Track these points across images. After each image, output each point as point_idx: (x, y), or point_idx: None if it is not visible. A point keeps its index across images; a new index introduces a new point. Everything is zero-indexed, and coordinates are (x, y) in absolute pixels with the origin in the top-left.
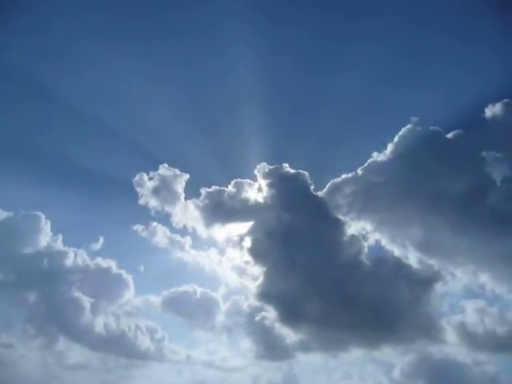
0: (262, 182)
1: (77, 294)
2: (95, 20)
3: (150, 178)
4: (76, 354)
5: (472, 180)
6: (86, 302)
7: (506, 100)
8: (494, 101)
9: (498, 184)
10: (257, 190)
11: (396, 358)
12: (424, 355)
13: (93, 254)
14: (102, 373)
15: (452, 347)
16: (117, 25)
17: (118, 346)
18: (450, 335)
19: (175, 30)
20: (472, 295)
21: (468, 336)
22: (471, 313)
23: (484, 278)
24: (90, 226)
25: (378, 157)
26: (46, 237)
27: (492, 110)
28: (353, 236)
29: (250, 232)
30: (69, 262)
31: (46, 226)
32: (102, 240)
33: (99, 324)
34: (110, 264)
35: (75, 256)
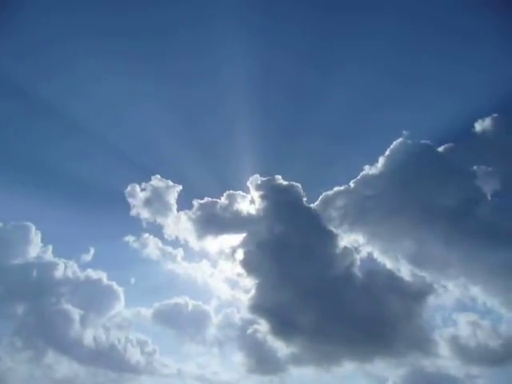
0: (255, 194)
1: (66, 305)
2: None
3: (142, 189)
4: (64, 367)
5: (463, 194)
6: (76, 314)
7: (495, 115)
8: (483, 115)
9: (489, 198)
10: (249, 202)
11: (389, 371)
12: (417, 368)
13: (83, 266)
14: None
15: (444, 360)
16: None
17: (107, 359)
18: (443, 348)
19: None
20: (464, 308)
21: (460, 349)
22: (463, 326)
23: (475, 290)
24: (81, 236)
25: (369, 170)
26: (35, 247)
27: (482, 125)
28: (345, 248)
29: (243, 244)
30: (59, 273)
31: (36, 236)
32: (92, 251)
33: (88, 337)
34: (100, 275)
35: (65, 267)
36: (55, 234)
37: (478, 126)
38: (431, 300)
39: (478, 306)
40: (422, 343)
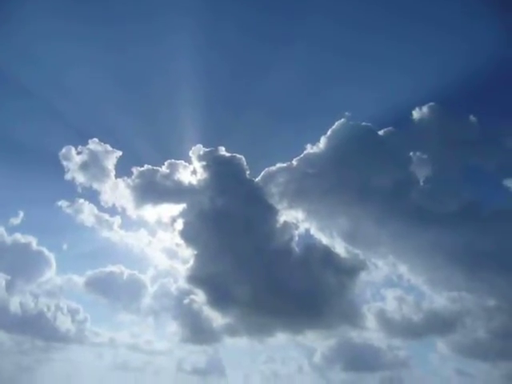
0: (197, 164)
1: None
2: None
3: (79, 153)
4: None
5: (397, 177)
6: (1, 279)
7: (431, 103)
8: (422, 103)
9: (421, 183)
10: (191, 173)
11: (318, 342)
12: (344, 340)
13: (11, 230)
14: (16, 355)
15: (371, 333)
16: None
17: (35, 327)
18: (370, 321)
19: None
20: (391, 284)
21: (386, 322)
22: (390, 301)
23: (403, 269)
24: (9, 199)
25: (311, 149)
26: None
27: (419, 112)
28: (285, 223)
29: (183, 214)
30: None
31: None
32: (21, 215)
33: (15, 303)
34: (29, 240)
35: None
36: None
37: (416, 114)
38: (363, 276)
39: (403, 282)
40: (352, 316)
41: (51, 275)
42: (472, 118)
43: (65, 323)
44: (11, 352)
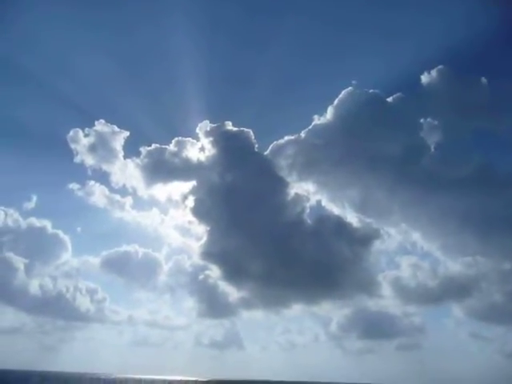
0: (205, 141)
1: (8, 255)
2: None
3: (86, 135)
4: (9, 317)
5: (408, 144)
6: (20, 263)
7: (440, 66)
8: (430, 67)
9: (432, 149)
10: (199, 150)
11: (333, 312)
12: (360, 309)
13: (25, 214)
14: (39, 336)
15: (386, 300)
16: None
17: (55, 308)
18: (385, 289)
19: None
20: (405, 252)
21: (401, 289)
22: (404, 268)
23: (416, 236)
24: (22, 184)
25: (318, 120)
26: None
27: (428, 77)
28: (296, 195)
29: (193, 191)
30: None
31: None
32: (35, 199)
33: (34, 286)
34: (44, 224)
35: (6, 215)
36: None
37: (424, 78)
38: (376, 245)
39: (417, 250)
40: (367, 285)
41: (68, 257)
42: (483, 79)
43: (84, 303)
44: (35, 332)
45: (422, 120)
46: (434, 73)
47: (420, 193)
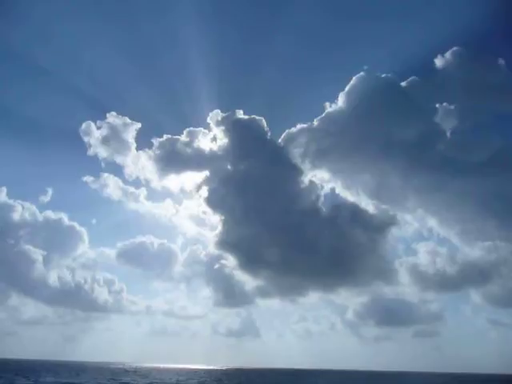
0: (216, 130)
1: (27, 247)
2: None
3: (98, 127)
4: (30, 308)
5: (423, 129)
6: (39, 255)
7: (455, 48)
8: (444, 49)
9: (448, 134)
10: (211, 139)
11: (350, 300)
12: (376, 296)
13: (41, 207)
14: (60, 327)
15: (404, 287)
16: None
17: (74, 299)
18: (403, 276)
19: None
20: (422, 239)
21: (418, 276)
22: (422, 255)
23: (432, 222)
24: (37, 178)
25: (330, 107)
26: None
27: (442, 59)
28: (310, 183)
29: (206, 181)
30: (16, 215)
31: None
32: (50, 192)
33: (53, 277)
34: (60, 216)
35: (23, 209)
36: (8, 175)
37: (438, 61)
38: (393, 232)
39: (434, 236)
40: (384, 272)
41: (85, 249)
42: (500, 60)
43: (102, 294)
44: (56, 323)
45: (437, 105)
46: (448, 55)
47: (437, 178)
